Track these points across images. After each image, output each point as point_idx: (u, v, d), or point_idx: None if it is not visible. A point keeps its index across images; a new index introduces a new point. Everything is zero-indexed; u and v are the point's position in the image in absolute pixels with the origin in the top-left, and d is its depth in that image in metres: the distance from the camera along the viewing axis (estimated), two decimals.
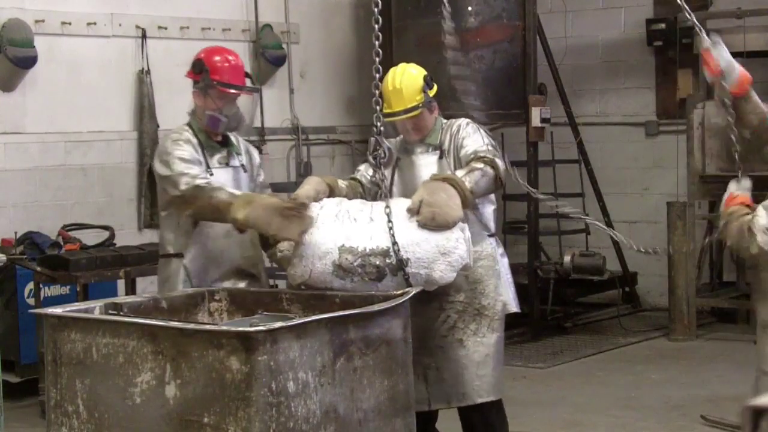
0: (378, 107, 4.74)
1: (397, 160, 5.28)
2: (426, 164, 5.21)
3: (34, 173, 8.33)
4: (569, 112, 10.51)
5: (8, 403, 6.60)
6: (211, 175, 5.18)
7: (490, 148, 5.10)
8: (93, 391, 4.28)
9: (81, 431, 4.31)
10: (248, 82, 5.45)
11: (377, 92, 4.76)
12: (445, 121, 5.32)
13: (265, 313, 4.64)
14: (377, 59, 4.68)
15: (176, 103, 9.08)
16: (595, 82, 11.11)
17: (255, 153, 5.53)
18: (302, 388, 4.00)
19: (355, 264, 4.59)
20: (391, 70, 5.28)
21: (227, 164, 5.31)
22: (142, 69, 8.92)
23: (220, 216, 4.93)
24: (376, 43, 4.67)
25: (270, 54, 9.79)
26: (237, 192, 4.99)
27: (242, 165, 5.36)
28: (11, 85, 8.20)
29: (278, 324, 3.99)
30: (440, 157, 5.22)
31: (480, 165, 4.91)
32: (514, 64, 9.50)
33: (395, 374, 4.42)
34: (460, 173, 4.87)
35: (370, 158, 4.86)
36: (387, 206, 4.66)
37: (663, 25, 10.52)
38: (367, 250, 4.60)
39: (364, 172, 5.31)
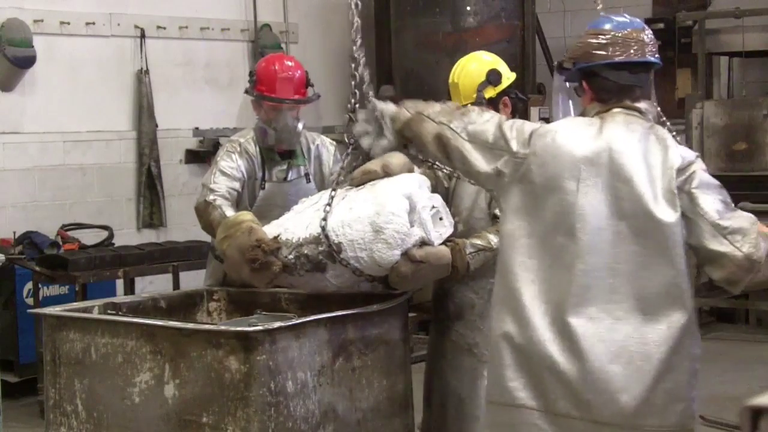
0: (353, 82, 4.40)
1: None
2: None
3: (33, 173, 8.32)
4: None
5: (7, 403, 6.59)
6: (263, 189, 5.17)
7: None
8: (92, 390, 4.27)
9: (80, 431, 4.31)
10: (311, 91, 5.27)
11: (353, 65, 4.44)
12: None
13: (264, 312, 4.63)
14: (354, 65, 4.43)
15: (175, 103, 9.12)
16: None
17: (325, 154, 5.37)
18: (301, 387, 4.00)
19: (290, 257, 4.31)
20: (462, 59, 4.92)
21: (285, 179, 5.25)
22: (141, 69, 8.92)
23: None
24: (355, 49, 4.48)
25: (269, 54, 9.77)
26: (229, 213, 4.83)
27: (306, 174, 5.29)
28: (10, 84, 8.19)
29: (277, 324, 3.99)
30: None
31: (497, 243, 4.36)
32: (513, 63, 9.45)
33: (394, 374, 4.41)
34: (470, 248, 4.48)
35: (346, 138, 4.47)
36: (333, 189, 4.35)
37: (662, 25, 10.51)
38: (300, 240, 4.30)
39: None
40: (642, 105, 3.66)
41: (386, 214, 4.21)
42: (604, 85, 3.66)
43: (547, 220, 3.55)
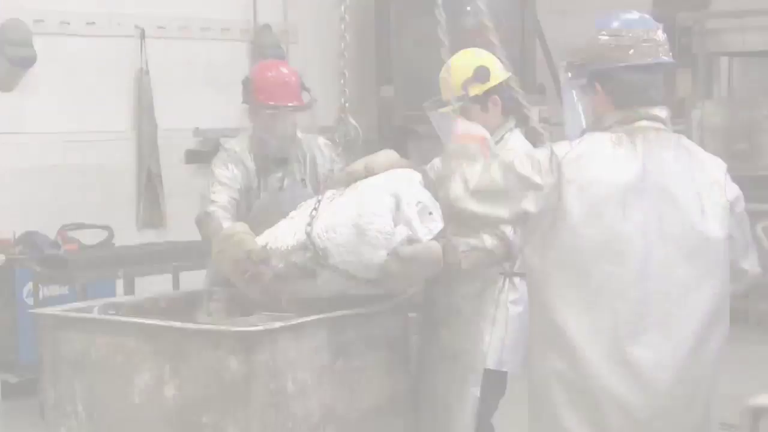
0: (342, 80, 4.35)
1: None
2: None
3: (33, 173, 8.32)
4: None
5: (7, 403, 6.60)
6: (259, 198, 5.15)
7: None
8: (92, 391, 4.27)
9: (80, 431, 4.31)
10: (306, 96, 5.21)
11: (342, 63, 4.43)
12: (517, 132, 4.72)
13: (264, 313, 4.63)
14: (343, 63, 4.40)
15: (175, 103, 9.11)
16: None
17: (319, 156, 5.33)
18: (301, 388, 4.00)
19: (280, 266, 4.24)
20: (455, 54, 4.83)
21: (281, 187, 5.22)
22: (141, 69, 8.91)
23: None
24: (342, 44, 4.42)
25: (269, 54, 9.76)
26: (226, 224, 4.83)
27: (302, 180, 5.26)
28: (10, 84, 8.19)
29: (277, 324, 3.99)
30: None
31: (491, 244, 4.30)
32: (513, 64, 9.48)
33: (394, 374, 4.41)
34: (464, 246, 4.29)
35: (336, 138, 4.44)
36: (321, 191, 4.31)
37: (661, 25, 10.50)
38: (289, 248, 4.23)
39: (436, 164, 4.66)
40: (663, 114, 3.55)
41: (368, 214, 4.10)
42: (620, 88, 3.53)
43: (589, 248, 3.41)
